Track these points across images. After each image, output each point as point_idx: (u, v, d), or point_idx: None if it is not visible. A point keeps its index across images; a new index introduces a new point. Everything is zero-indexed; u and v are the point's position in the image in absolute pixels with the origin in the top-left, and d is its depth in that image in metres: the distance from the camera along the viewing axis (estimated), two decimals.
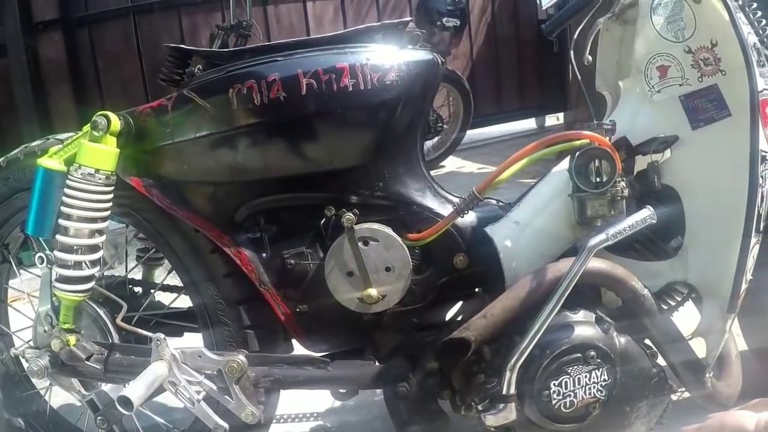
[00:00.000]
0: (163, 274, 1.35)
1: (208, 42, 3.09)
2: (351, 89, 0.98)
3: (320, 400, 1.49)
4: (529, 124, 4.98)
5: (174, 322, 1.25)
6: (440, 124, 3.82)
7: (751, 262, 1.03)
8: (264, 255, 1.05)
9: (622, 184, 0.99)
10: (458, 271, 1.04)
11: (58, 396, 1.43)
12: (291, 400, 1.41)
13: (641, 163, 1.09)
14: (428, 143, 3.96)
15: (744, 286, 1.03)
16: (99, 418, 1.10)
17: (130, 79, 3.56)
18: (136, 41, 3.63)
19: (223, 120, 1.00)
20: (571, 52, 1.14)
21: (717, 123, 1.02)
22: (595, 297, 1.06)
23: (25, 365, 1.16)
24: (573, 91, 1.14)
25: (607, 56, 1.16)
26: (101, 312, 1.16)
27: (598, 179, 0.99)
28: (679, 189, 1.05)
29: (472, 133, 4.29)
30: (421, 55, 1.04)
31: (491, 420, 0.96)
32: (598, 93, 1.20)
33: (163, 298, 1.34)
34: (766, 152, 1.03)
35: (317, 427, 1.43)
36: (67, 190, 1.02)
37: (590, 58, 1.18)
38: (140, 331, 1.10)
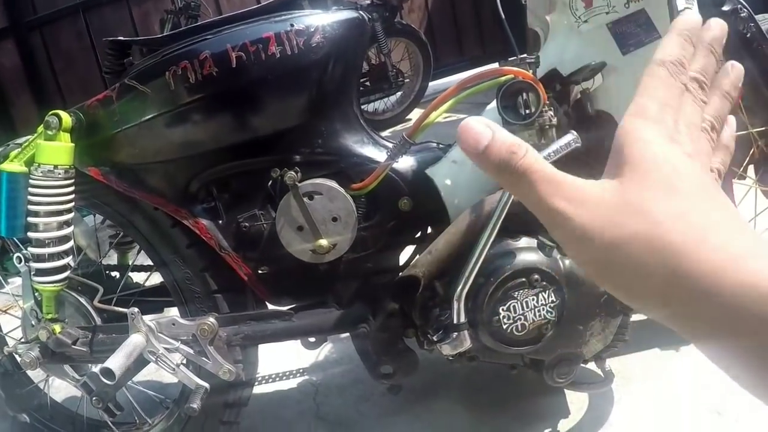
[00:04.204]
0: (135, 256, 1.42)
1: (159, 27, 3.11)
2: (279, 56, 1.02)
3: (304, 357, 1.55)
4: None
5: (152, 299, 1.31)
6: (401, 79, 3.85)
7: None
8: (220, 222, 1.10)
9: (550, 113, 1.02)
10: (404, 214, 1.08)
11: (59, 391, 1.51)
12: (277, 359, 1.49)
13: (577, 92, 1.12)
14: (392, 98, 4.01)
15: None
16: (94, 398, 1.16)
17: (87, 76, 3.58)
18: (89, 37, 3.63)
19: (165, 102, 1.05)
20: None
21: (647, 46, 1.05)
22: (538, 223, 1.10)
23: (19, 360, 1.21)
24: (531, 32, 1.16)
25: None
26: (81, 299, 1.21)
27: (527, 111, 1.03)
28: (613, 113, 1.09)
29: (437, 84, 4.32)
30: (346, 14, 1.07)
31: (447, 349, 1.01)
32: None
33: (141, 278, 1.41)
34: None
35: (303, 382, 1.50)
36: (31, 189, 1.08)
37: None
38: (116, 308, 1.17)
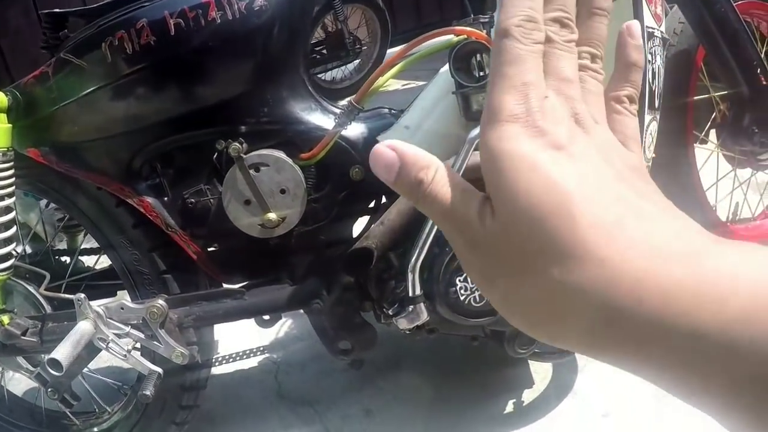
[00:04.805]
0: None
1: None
2: (219, 21, 0.97)
3: (264, 335, 1.53)
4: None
5: (104, 283, 1.27)
6: (358, 46, 3.77)
7: (649, 140, 1.05)
8: (166, 199, 1.06)
9: None
10: (356, 184, 1.04)
11: (20, 383, 1.47)
12: (237, 338, 1.46)
13: None
14: (349, 66, 3.94)
15: (647, 165, 1.05)
16: (49, 389, 1.12)
17: (36, 54, 3.42)
18: (36, 13, 3.49)
19: (102, 75, 1.00)
20: None
21: None
22: None
23: None
24: None
25: None
26: (30, 288, 1.17)
27: (481, 73, 1.00)
28: None
29: (395, 51, 4.24)
30: None
31: (403, 323, 0.98)
32: None
33: (91, 261, 1.37)
34: (653, 29, 1.03)
35: (264, 360, 1.47)
36: None
37: None
38: (63, 296, 1.12)
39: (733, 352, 0.21)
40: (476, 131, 0.29)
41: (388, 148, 0.28)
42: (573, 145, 0.26)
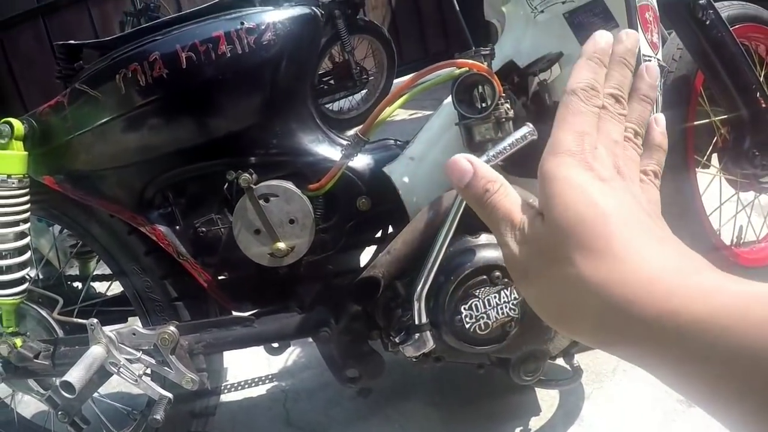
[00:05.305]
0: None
1: (118, 29, 3.06)
2: (229, 55, 1.00)
3: (273, 362, 1.54)
4: None
5: (115, 309, 1.28)
6: (365, 77, 3.83)
7: None
8: (177, 228, 1.08)
9: (506, 106, 1.00)
10: (363, 214, 1.06)
11: (28, 406, 1.48)
12: (246, 365, 1.47)
13: (535, 84, 1.11)
14: (356, 97, 3.99)
15: None
16: (59, 412, 1.14)
17: (48, 81, 3.46)
18: (49, 41, 3.57)
19: (116, 106, 1.03)
20: None
21: None
22: None
23: None
24: (493, 26, 1.15)
25: None
26: (42, 311, 1.19)
27: (483, 104, 1.01)
28: None
29: (401, 81, 4.24)
30: (298, 10, 1.05)
31: (410, 350, 0.99)
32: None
33: (104, 287, 1.39)
34: (649, 57, 1.05)
35: (273, 388, 1.48)
36: None
37: None
38: (76, 320, 1.14)
39: (711, 340, 0.25)
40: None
41: (466, 160, 0.35)
42: (613, 182, 0.33)
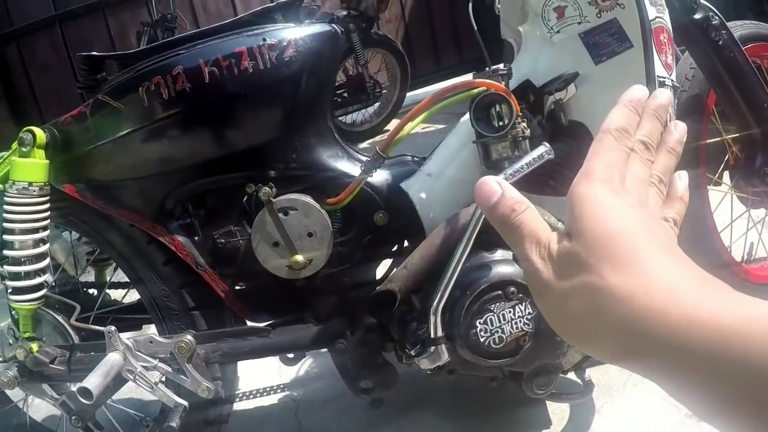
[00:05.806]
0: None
1: (135, 40, 3.09)
2: (252, 71, 1.02)
3: (285, 372, 1.55)
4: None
5: (131, 316, 1.30)
6: (378, 90, 3.85)
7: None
8: (196, 238, 1.10)
9: (523, 125, 1.02)
10: (380, 228, 1.08)
11: (39, 410, 1.50)
12: (258, 375, 1.48)
13: (551, 103, 1.12)
14: (369, 109, 4.01)
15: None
16: (73, 417, 1.15)
17: (64, 88, 3.53)
18: (66, 49, 3.61)
19: (138, 118, 1.04)
20: (470, 2, 1.18)
21: (620, 55, 1.05)
22: None
23: None
24: (508, 44, 1.16)
25: (510, 3, 1.18)
26: (59, 317, 1.20)
27: (500, 123, 1.03)
28: (588, 123, 1.08)
29: (414, 94, 4.32)
30: (318, 28, 1.07)
31: (425, 363, 1.01)
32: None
33: (119, 294, 1.40)
34: (663, 78, 1.06)
35: (285, 398, 1.49)
36: (6, 207, 1.07)
37: (499, 6, 1.21)
38: (93, 327, 1.16)
39: (720, 352, 0.27)
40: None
41: (495, 182, 0.37)
42: (639, 210, 0.35)
